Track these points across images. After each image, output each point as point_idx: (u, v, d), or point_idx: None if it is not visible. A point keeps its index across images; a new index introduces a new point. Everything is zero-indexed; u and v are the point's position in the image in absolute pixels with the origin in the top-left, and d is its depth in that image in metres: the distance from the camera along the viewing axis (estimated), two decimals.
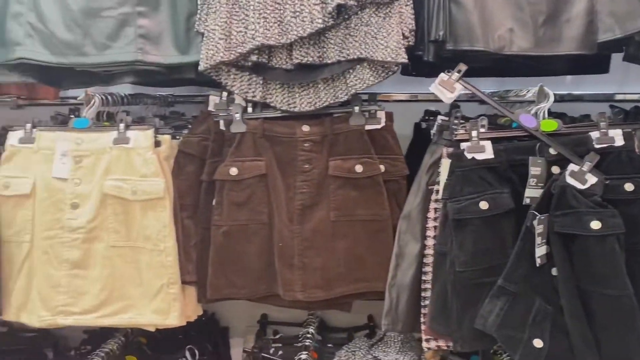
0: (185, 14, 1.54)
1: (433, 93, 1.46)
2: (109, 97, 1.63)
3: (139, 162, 1.52)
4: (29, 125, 1.56)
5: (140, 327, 1.61)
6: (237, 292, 1.58)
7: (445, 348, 1.53)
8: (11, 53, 1.50)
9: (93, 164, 1.53)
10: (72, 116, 1.70)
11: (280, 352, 1.94)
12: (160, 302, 1.55)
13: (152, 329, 1.60)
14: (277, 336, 2.11)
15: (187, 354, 1.92)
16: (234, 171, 1.53)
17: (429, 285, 1.49)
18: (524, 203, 1.38)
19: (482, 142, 1.40)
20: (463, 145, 1.40)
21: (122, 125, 1.52)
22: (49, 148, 1.54)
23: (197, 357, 1.94)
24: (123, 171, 1.52)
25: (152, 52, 1.53)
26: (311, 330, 1.91)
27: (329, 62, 1.48)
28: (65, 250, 1.52)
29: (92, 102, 1.55)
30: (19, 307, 1.55)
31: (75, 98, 1.97)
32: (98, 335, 1.98)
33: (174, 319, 1.56)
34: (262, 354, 1.92)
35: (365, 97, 1.59)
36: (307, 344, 1.82)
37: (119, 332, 1.88)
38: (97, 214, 1.53)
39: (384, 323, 1.52)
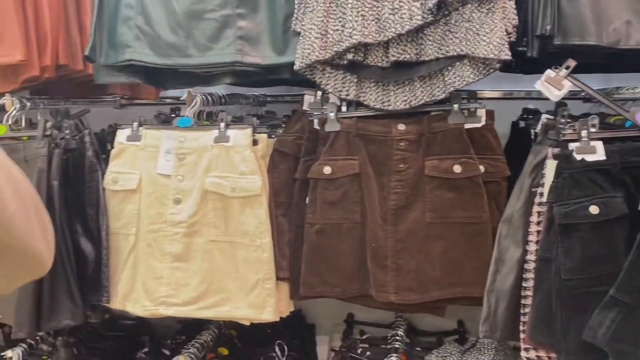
0: (283, 15, 1.56)
1: (528, 90, 1.40)
2: (209, 97, 1.69)
3: (237, 160, 1.56)
4: (135, 124, 1.64)
5: (236, 320, 1.65)
6: (330, 291, 1.58)
7: (546, 359, 1.46)
8: (121, 55, 1.59)
9: (195, 162, 1.59)
10: (174, 115, 1.78)
11: (368, 353, 1.92)
12: (255, 297, 1.58)
13: (247, 323, 1.64)
14: (364, 336, 2.09)
15: (277, 349, 1.95)
16: (327, 170, 1.54)
17: (529, 293, 1.43)
18: (639, 209, 1.28)
19: (592, 143, 1.33)
20: (571, 145, 1.34)
21: (222, 125, 1.57)
22: (154, 146, 1.62)
23: (285, 352, 1.96)
24: (223, 169, 1.57)
25: (251, 53, 1.56)
26: (400, 332, 1.88)
27: (427, 59, 1.45)
28: (168, 243, 1.60)
29: (194, 102, 1.61)
30: (125, 297, 1.65)
31: (174, 98, 2.07)
32: (191, 326, 2.07)
33: (268, 314, 1.59)
34: (350, 354, 1.92)
35: (463, 95, 1.54)
36: (396, 346, 1.79)
37: (212, 324, 1.95)
38: (198, 209, 1.58)
39: (482, 330, 1.47)
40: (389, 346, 1.83)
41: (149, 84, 1.74)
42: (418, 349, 1.98)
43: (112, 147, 1.68)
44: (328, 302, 2.13)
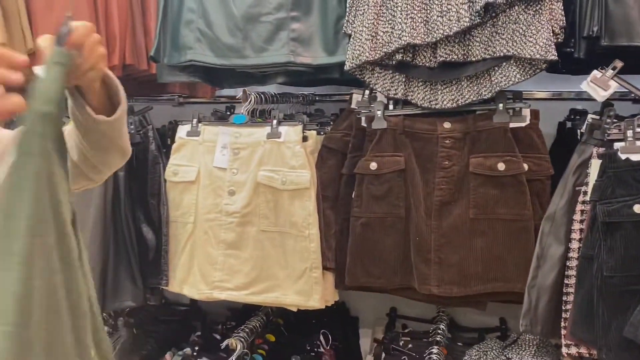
0: (334, 17, 1.64)
1: (577, 91, 1.42)
2: (262, 96, 1.78)
3: (288, 155, 1.65)
4: (195, 120, 1.76)
5: (284, 306, 1.74)
6: (374, 282, 1.65)
7: (587, 356, 1.48)
8: (183, 56, 1.71)
9: (249, 156, 1.69)
10: (229, 113, 1.89)
11: (410, 346, 1.97)
12: (303, 284, 1.66)
13: (295, 309, 1.73)
14: (406, 330, 2.15)
15: (321, 337, 2.03)
16: (373, 166, 1.61)
17: (571, 290, 1.45)
18: None
19: (638, 143, 1.35)
20: (616, 145, 1.36)
21: (274, 122, 1.66)
22: (211, 140, 1.73)
23: (330, 342, 2.04)
24: (274, 163, 1.66)
25: (303, 54, 1.65)
26: (442, 326, 1.92)
27: (474, 59, 1.50)
28: (222, 232, 1.70)
29: (249, 100, 1.71)
30: (182, 280, 1.77)
31: (228, 97, 2.18)
32: (241, 314, 2.18)
33: (315, 301, 1.68)
34: (392, 345, 1.97)
35: (509, 94, 1.58)
36: (438, 339, 1.83)
37: (261, 312, 2.05)
38: (250, 200, 1.68)
39: (522, 324, 1.50)
40: (430, 339, 1.87)
41: (207, 83, 1.85)
42: (459, 344, 2.01)
43: (173, 142, 1.81)
44: (371, 296, 2.19)
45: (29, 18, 1.98)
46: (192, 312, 2.34)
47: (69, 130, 1.02)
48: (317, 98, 2.15)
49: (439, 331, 1.89)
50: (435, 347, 1.78)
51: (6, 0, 1.92)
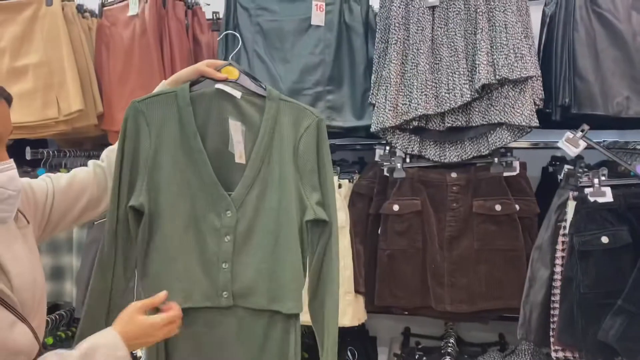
0: (361, 90, 2.05)
1: (556, 142, 1.81)
2: None
3: None
4: None
5: None
6: (398, 302, 2.01)
7: (572, 359, 1.83)
8: None
9: None
10: None
11: (424, 358, 2.31)
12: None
13: None
14: (420, 346, 2.48)
15: (349, 353, 2.36)
16: (396, 207, 1.98)
17: (557, 305, 1.77)
18: None
19: (603, 188, 1.71)
20: (587, 190, 1.71)
21: None
22: None
23: (356, 356, 2.37)
24: None
25: (337, 118, 2.05)
26: (452, 340, 2.25)
27: (474, 125, 1.89)
28: None
29: None
30: None
31: None
32: None
33: (347, 320, 2.02)
34: (409, 358, 2.31)
35: (502, 150, 1.97)
36: (449, 351, 2.17)
37: None
38: None
39: (519, 332, 1.85)
40: (442, 351, 2.21)
41: None
42: (466, 356, 2.35)
43: None
44: (387, 318, 2.53)
45: (101, 87, 2.38)
46: None
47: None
48: (336, 148, 2.54)
49: (449, 344, 2.23)
50: (448, 357, 2.12)
51: (82, 73, 2.32)
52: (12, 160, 1.03)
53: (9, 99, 1.04)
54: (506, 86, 1.82)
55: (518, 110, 1.80)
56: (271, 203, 1.31)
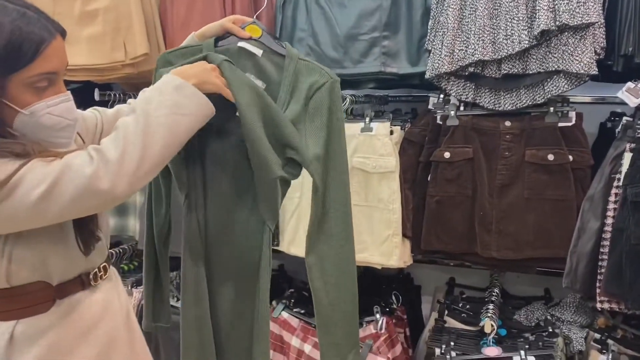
0: (417, 36, 2.05)
1: (618, 97, 1.78)
2: (354, 97, 2.21)
3: (378, 145, 2.07)
4: None
5: (370, 265, 2.15)
6: (444, 247, 2.06)
7: (618, 310, 1.84)
8: None
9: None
10: None
11: (467, 306, 2.35)
12: (385, 247, 2.09)
13: (379, 267, 2.15)
14: (464, 295, 2.53)
15: (393, 297, 2.44)
16: (447, 155, 2.01)
17: (605, 257, 1.78)
18: None
19: None
20: None
21: (367, 119, 2.09)
22: None
23: (400, 301, 2.45)
24: (366, 151, 2.08)
25: (391, 65, 2.07)
26: (496, 290, 2.29)
27: (530, 72, 1.87)
28: None
29: (345, 101, 2.14)
30: (289, 243, 2.22)
31: None
32: None
33: (394, 261, 2.09)
34: (453, 306, 2.37)
35: (558, 99, 1.95)
36: (493, 299, 2.21)
37: None
38: None
39: (565, 281, 1.87)
40: (486, 300, 2.26)
41: None
42: (510, 307, 2.38)
43: None
44: (432, 268, 2.59)
45: (164, 33, 2.48)
46: (280, 275, 2.78)
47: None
48: (390, 99, 2.57)
49: (494, 293, 2.26)
50: (491, 304, 2.16)
51: (147, 19, 2.42)
52: (69, 92, 1.09)
53: (63, 34, 1.09)
54: (566, 33, 1.79)
55: (577, 58, 1.77)
56: None
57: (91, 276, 1.20)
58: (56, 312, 1.12)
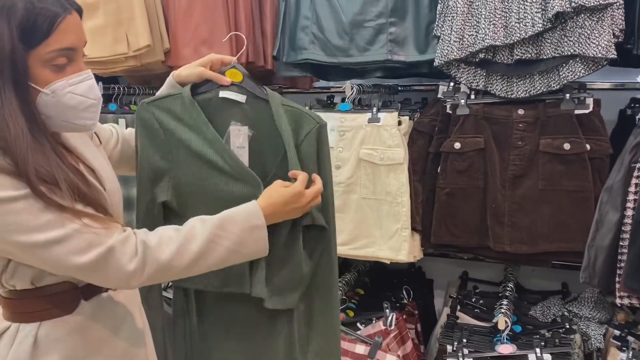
0: (425, 22, 1.97)
1: (638, 82, 1.69)
2: (361, 87, 2.14)
3: (386, 136, 2.00)
4: (307, 107, 2.12)
5: (378, 259, 2.10)
6: (455, 240, 1.99)
7: (638, 305, 1.75)
8: (299, 55, 2.09)
9: (352, 137, 2.05)
10: (329, 101, 2.25)
11: (481, 302, 2.28)
12: (394, 241, 2.02)
13: (388, 262, 2.09)
14: (477, 290, 2.46)
15: (404, 292, 2.38)
16: (457, 145, 1.94)
17: (625, 250, 1.70)
18: None
19: None
20: None
21: (374, 109, 2.02)
22: None
23: (411, 296, 2.39)
24: (374, 142, 2.02)
25: (399, 52, 1.99)
26: (510, 285, 2.21)
27: (545, 57, 1.79)
28: None
29: (352, 91, 2.07)
30: None
31: (322, 88, 2.55)
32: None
33: (403, 256, 2.03)
34: (465, 301, 2.30)
35: (574, 85, 1.86)
36: (507, 294, 2.14)
37: (353, 269, 2.42)
38: (353, 173, 2.05)
39: (582, 276, 1.79)
40: (500, 295, 2.18)
41: (315, 76, 2.23)
42: (525, 302, 2.30)
43: None
44: (445, 262, 2.53)
45: (167, 23, 2.43)
46: None
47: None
48: (400, 88, 2.49)
49: (508, 288, 2.19)
50: (505, 300, 2.09)
51: (149, 10, 2.37)
52: (89, 70, 1.07)
53: (79, 10, 1.07)
54: (582, 15, 1.70)
55: (594, 41, 1.68)
56: None
57: None
58: (82, 313, 1.11)
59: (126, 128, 1.45)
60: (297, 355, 1.36)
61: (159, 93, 1.36)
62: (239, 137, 1.30)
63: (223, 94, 1.31)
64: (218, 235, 1.11)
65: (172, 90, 1.34)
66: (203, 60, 1.34)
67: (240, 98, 1.31)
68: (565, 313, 2.07)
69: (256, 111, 1.32)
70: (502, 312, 1.94)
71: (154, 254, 1.05)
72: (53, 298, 1.08)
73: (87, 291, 1.13)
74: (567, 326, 1.97)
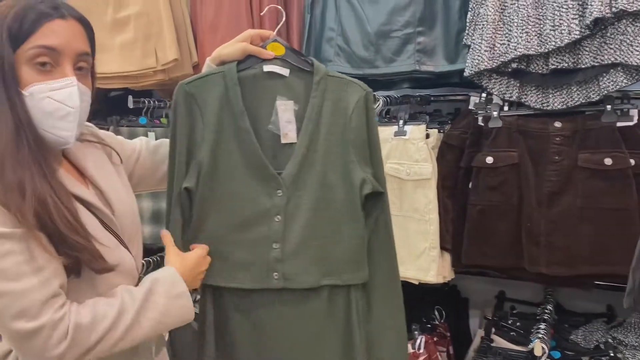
0: (455, 30, 1.89)
1: None
2: (388, 99, 2.07)
3: (412, 150, 1.92)
4: None
5: (405, 279, 2.00)
6: (488, 261, 1.88)
7: None
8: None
9: None
10: None
11: (518, 324, 2.16)
12: (422, 261, 1.93)
13: (416, 282, 2.00)
14: (514, 311, 2.33)
15: (436, 312, 2.28)
16: (489, 160, 1.83)
17: None
18: None
19: None
20: None
21: (401, 122, 1.94)
22: None
23: (443, 316, 2.29)
24: (400, 157, 1.94)
25: (427, 63, 1.91)
26: (549, 307, 2.08)
27: (583, 66, 1.67)
28: None
29: (378, 103, 2.00)
30: None
31: None
32: None
33: (432, 277, 1.93)
34: (501, 323, 2.18)
35: (617, 95, 1.73)
36: (545, 317, 2.01)
37: None
38: None
39: (626, 301, 1.65)
40: (538, 317, 2.05)
41: None
42: (566, 325, 2.16)
43: None
44: (481, 280, 2.40)
45: (195, 37, 2.43)
46: None
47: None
48: (432, 98, 2.40)
49: (547, 310, 2.06)
50: (543, 324, 1.96)
51: (178, 23, 2.38)
52: (74, 78, 1.03)
53: (82, 21, 1.06)
54: (624, 20, 1.58)
55: (638, 48, 1.56)
56: (322, 180, 1.27)
57: None
58: None
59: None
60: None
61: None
62: (285, 112, 1.28)
63: (267, 68, 1.28)
64: (141, 311, 1.06)
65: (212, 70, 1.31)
66: (242, 36, 1.31)
67: (284, 72, 1.29)
68: (610, 340, 1.92)
69: (300, 84, 1.29)
70: (539, 337, 1.81)
71: (84, 335, 0.99)
72: None
73: None
74: (612, 354, 1.83)
